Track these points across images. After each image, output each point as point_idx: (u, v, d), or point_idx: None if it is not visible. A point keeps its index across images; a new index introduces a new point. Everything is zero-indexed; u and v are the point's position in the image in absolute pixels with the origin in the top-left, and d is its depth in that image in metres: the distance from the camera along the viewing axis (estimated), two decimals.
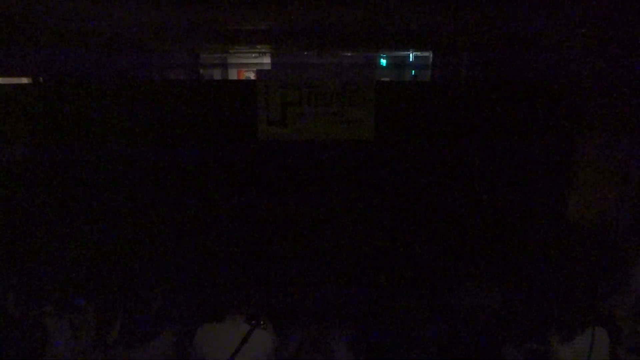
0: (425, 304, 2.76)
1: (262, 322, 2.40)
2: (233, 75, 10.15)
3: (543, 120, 3.42)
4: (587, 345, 2.27)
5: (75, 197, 3.36)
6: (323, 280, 3.03)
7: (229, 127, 3.41)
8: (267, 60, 8.54)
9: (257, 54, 7.90)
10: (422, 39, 5.26)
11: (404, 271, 3.08)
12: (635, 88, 3.02)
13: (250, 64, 9.41)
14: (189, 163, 3.40)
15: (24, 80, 4.40)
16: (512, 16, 3.09)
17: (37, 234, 3.32)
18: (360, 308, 2.77)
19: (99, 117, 3.32)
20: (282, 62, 8.41)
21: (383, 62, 8.81)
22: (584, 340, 2.29)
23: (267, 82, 3.34)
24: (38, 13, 3.08)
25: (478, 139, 3.46)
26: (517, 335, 2.59)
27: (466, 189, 3.49)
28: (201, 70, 8.51)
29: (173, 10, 3.09)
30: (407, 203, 3.48)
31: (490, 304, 2.79)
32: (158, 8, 3.01)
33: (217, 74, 9.57)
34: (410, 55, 8.00)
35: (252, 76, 9.84)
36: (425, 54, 7.66)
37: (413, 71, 8.62)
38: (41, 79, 4.04)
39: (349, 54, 8.16)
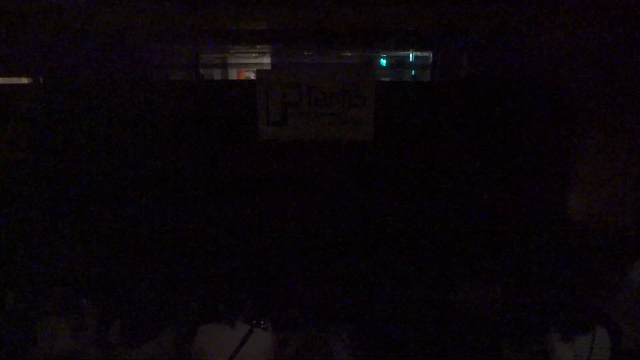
0: (425, 304, 2.76)
1: (261, 322, 2.40)
2: (233, 75, 10.14)
3: (543, 120, 3.42)
4: (587, 345, 2.27)
5: (75, 197, 3.36)
6: (323, 280, 3.03)
7: (229, 127, 3.41)
8: (267, 60, 8.54)
9: (257, 54, 7.90)
10: (422, 39, 5.26)
11: (403, 271, 3.09)
12: (636, 86, 3.02)
13: (250, 64, 9.40)
14: (189, 163, 3.40)
15: (24, 80, 4.40)
16: (512, 16, 3.09)
17: (37, 234, 3.32)
18: (360, 308, 2.77)
19: (98, 117, 3.32)
20: (282, 62, 8.40)
21: (383, 62, 8.81)
22: (584, 341, 2.29)
23: (267, 82, 3.34)
24: (38, 13, 3.08)
25: (478, 139, 3.46)
26: (517, 335, 2.59)
27: (466, 189, 3.49)
28: (201, 70, 8.51)
29: (173, 10, 3.09)
30: (407, 203, 3.48)
31: (490, 304, 2.79)
32: (158, 8, 3.01)
33: (217, 74, 9.56)
34: (410, 55, 8.00)
35: (252, 76, 9.84)
36: (425, 54, 7.66)
37: (413, 71, 8.61)
38: (41, 79, 4.04)
39: (349, 54, 8.16)
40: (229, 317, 2.36)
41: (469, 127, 3.45)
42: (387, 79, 8.12)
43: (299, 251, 3.35)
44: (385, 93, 3.42)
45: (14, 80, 4.30)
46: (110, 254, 3.14)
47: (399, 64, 8.70)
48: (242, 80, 8.92)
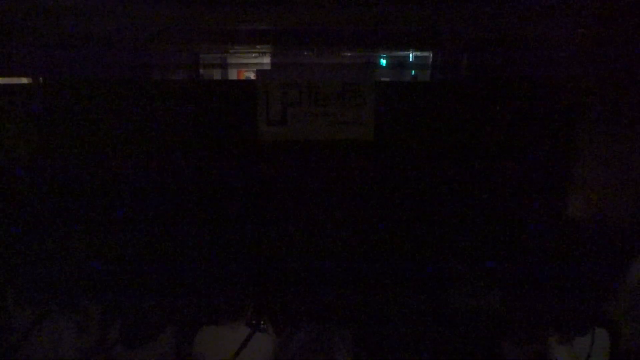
0: (425, 304, 2.76)
1: (262, 324, 2.40)
2: (233, 75, 10.13)
3: (543, 120, 3.42)
4: (587, 346, 2.27)
5: (74, 197, 3.36)
6: (323, 282, 3.02)
7: (229, 127, 3.40)
8: (267, 60, 8.53)
9: (257, 54, 7.90)
10: (422, 39, 5.26)
11: (403, 271, 3.08)
12: (636, 86, 3.02)
13: (250, 64, 9.39)
14: (189, 163, 3.40)
15: (24, 80, 4.40)
16: (512, 16, 3.09)
17: (38, 234, 3.31)
18: (361, 309, 2.77)
19: (98, 117, 3.32)
20: (282, 62, 8.40)
21: (383, 62, 8.80)
22: (584, 341, 2.29)
23: (267, 82, 3.34)
24: (38, 13, 3.08)
25: (478, 139, 3.46)
26: (516, 335, 2.58)
27: (466, 189, 3.49)
28: (201, 70, 8.50)
29: (173, 10, 3.09)
30: (407, 203, 3.48)
31: (489, 304, 2.79)
32: (158, 8, 3.01)
33: (217, 74, 9.55)
34: (410, 55, 8.00)
35: (252, 76, 9.83)
36: (425, 54, 7.65)
37: (413, 71, 8.60)
38: (41, 79, 4.04)
39: (349, 54, 8.15)
40: (230, 318, 2.36)
41: (468, 127, 3.45)
42: (387, 79, 8.12)
43: (299, 252, 3.35)
44: (385, 93, 3.42)
45: (14, 80, 4.30)
46: (111, 254, 3.14)
47: (399, 64, 8.69)
48: (242, 80, 8.92)
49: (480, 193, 3.49)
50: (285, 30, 4.21)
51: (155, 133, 3.37)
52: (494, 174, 3.49)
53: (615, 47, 3.07)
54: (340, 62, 8.61)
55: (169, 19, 3.47)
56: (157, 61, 6.56)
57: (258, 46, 6.36)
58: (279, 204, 3.47)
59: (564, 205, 3.47)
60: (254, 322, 2.37)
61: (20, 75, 4.43)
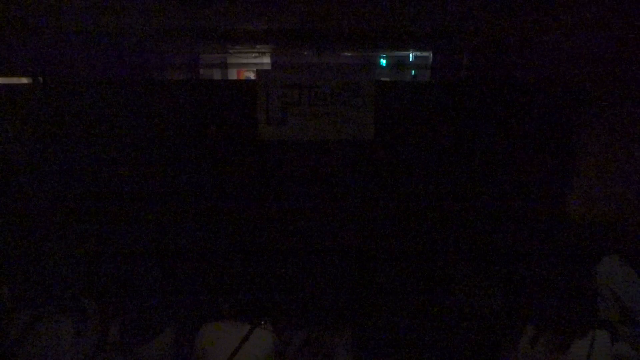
0: (425, 304, 2.76)
1: (262, 322, 2.40)
2: (233, 75, 10.13)
3: (543, 120, 3.42)
4: (587, 346, 2.27)
5: (75, 196, 3.36)
6: (323, 280, 3.03)
7: (229, 127, 3.41)
8: (267, 60, 8.54)
9: (257, 54, 7.91)
10: (422, 39, 5.26)
11: (403, 271, 3.09)
12: (636, 86, 3.02)
13: (250, 64, 9.40)
14: (189, 163, 3.41)
15: (24, 80, 4.40)
16: (512, 16, 3.09)
17: (38, 234, 3.32)
18: (360, 308, 2.77)
19: (99, 117, 3.32)
20: (282, 62, 8.40)
21: (383, 62, 8.81)
22: (584, 342, 2.29)
23: (267, 82, 3.34)
24: (38, 13, 3.08)
25: (478, 139, 3.46)
26: (516, 336, 2.59)
27: (466, 189, 3.49)
28: (201, 70, 8.50)
29: (173, 10, 3.10)
30: (407, 203, 3.48)
31: (489, 304, 2.79)
32: (158, 8, 3.01)
33: (217, 74, 9.55)
34: (410, 55, 8.01)
35: (252, 76, 9.84)
36: (425, 54, 7.66)
37: (413, 71, 8.61)
38: (41, 79, 4.04)
39: (349, 54, 8.16)
40: (230, 317, 2.36)
41: (469, 127, 3.46)
42: (387, 79, 8.12)
43: (299, 251, 3.35)
44: (385, 93, 3.42)
45: (14, 80, 4.31)
46: (111, 253, 3.14)
47: (399, 64, 8.70)
48: (242, 80, 8.92)
49: (481, 193, 3.49)
50: (285, 30, 4.21)
51: (155, 133, 3.37)
52: (494, 174, 3.49)
53: (615, 47, 3.07)
54: (340, 62, 8.62)
55: (169, 19, 3.48)
56: (157, 61, 6.57)
57: (258, 46, 6.36)
58: (279, 204, 3.47)
59: (564, 205, 3.48)
60: (254, 320, 2.38)
61: (20, 75, 4.44)
